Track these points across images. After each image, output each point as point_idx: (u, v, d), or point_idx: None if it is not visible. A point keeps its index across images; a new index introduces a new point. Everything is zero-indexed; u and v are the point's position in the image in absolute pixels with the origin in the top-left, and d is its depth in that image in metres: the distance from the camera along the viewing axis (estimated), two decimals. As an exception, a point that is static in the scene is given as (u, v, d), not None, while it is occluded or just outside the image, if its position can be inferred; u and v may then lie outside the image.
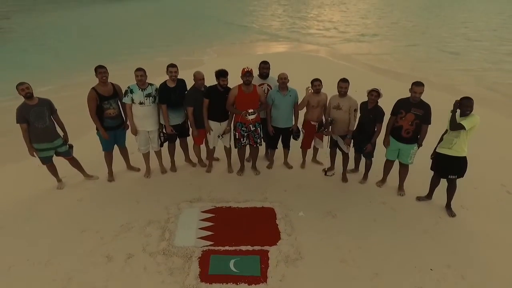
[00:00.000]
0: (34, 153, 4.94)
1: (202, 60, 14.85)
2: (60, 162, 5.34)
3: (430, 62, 15.24)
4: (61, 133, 5.13)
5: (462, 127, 4.26)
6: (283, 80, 5.26)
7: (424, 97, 4.72)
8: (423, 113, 4.66)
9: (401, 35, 23.52)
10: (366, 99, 5.10)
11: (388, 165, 5.38)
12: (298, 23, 30.78)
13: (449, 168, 4.64)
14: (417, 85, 4.61)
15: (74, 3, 55.40)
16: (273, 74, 5.63)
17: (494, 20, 32.22)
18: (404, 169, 5.21)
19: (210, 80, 5.29)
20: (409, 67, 14.18)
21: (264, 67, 5.54)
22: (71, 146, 5.28)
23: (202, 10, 43.99)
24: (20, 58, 15.40)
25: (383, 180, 5.51)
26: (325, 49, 18.77)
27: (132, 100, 5.05)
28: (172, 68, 5.15)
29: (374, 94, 4.91)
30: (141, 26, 27.91)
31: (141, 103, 5.06)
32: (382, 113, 5.00)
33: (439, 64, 14.94)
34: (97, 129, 5.19)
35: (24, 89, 4.58)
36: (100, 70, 4.90)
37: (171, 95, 5.18)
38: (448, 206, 4.88)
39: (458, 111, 4.38)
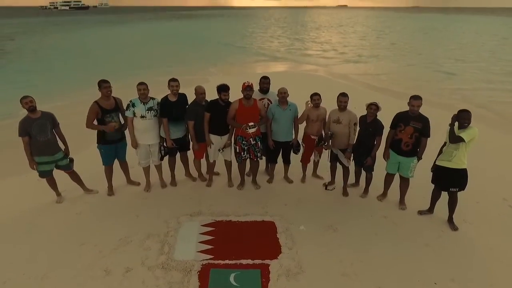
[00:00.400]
0: (34, 166, 4.94)
1: (208, 78, 15.01)
2: (59, 176, 5.34)
3: (426, 82, 15.52)
4: (62, 147, 5.15)
5: (461, 140, 4.30)
6: (283, 95, 5.34)
7: (421, 113, 4.79)
8: (422, 126, 4.71)
9: (398, 56, 24.04)
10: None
11: (388, 178, 5.38)
12: (297, 44, 31.49)
13: (449, 180, 4.64)
14: (415, 99, 4.69)
15: (77, 25, 56.78)
16: (273, 89, 5.71)
17: (489, 41, 33.01)
18: (404, 183, 5.21)
19: (213, 97, 5.34)
20: (406, 86, 14.39)
21: (265, 82, 5.64)
22: (71, 160, 5.29)
23: (202, 32, 45.05)
24: (22, 78, 15.60)
25: (384, 194, 5.50)
26: (324, 69, 19.11)
27: (134, 114, 5.10)
28: (173, 82, 5.23)
29: (373, 107, 4.98)
30: (141, 48, 28.45)
31: (142, 117, 5.12)
32: (381, 126, 5.05)
33: (436, 84, 15.21)
34: (98, 142, 5.22)
35: (27, 103, 4.65)
36: (105, 85, 4.99)
37: (172, 109, 5.24)
38: (450, 220, 4.85)
39: (456, 123, 4.43)
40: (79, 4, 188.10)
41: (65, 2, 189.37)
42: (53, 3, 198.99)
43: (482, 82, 15.55)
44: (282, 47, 29.08)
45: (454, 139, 4.36)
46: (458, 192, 4.69)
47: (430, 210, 5.09)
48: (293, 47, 29.42)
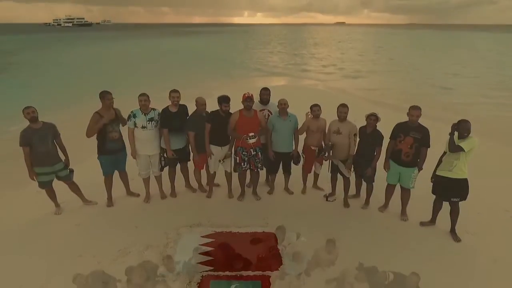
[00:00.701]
0: (34, 176, 4.93)
1: (211, 93, 15.09)
2: (59, 187, 5.32)
3: (424, 96, 15.62)
4: (62, 157, 5.15)
5: (461, 149, 4.31)
6: (283, 106, 5.38)
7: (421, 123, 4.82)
8: (422, 136, 4.73)
9: (396, 71, 24.34)
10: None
11: (389, 189, 5.35)
12: (296, 60, 31.89)
13: (450, 190, 4.62)
14: (414, 109, 4.73)
15: (79, 41, 57.63)
16: (273, 101, 5.74)
17: (485, 57, 33.50)
18: (405, 194, 5.19)
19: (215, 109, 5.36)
20: (404, 100, 14.45)
21: (265, 93, 5.68)
22: (71, 171, 5.29)
23: (203, 48, 45.68)
24: (22, 92, 15.72)
25: (385, 205, 5.47)
26: (323, 83, 19.30)
27: (135, 124, 5.13)
28: (174, 93, 5.29)
29: (373, 118, 5.01)
30: (143, 62, 28.76)
31: (143, 127, 5.15)
32: (381, 137, 5.07)
33: (433, 98, 15.34)
34: (98, 153, 5.22)
35: (29, 113, 4.68)
36: (108, 96, 5.04)
37: (172, 120, 5.27)
38: (452, 231, 4.80)
39: (456, 133, 4.45)
40: (82, 21, 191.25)
41: (68, 19, 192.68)
42: (57, 20, 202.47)
43: (479, 96, 15.71)
44: (281, 63, 29.45)
45: (454, 148, 4.37)
46: (460, 202, 4.66)
47: (432, 221, 5.05)
48: (293, 62, 29.80)
